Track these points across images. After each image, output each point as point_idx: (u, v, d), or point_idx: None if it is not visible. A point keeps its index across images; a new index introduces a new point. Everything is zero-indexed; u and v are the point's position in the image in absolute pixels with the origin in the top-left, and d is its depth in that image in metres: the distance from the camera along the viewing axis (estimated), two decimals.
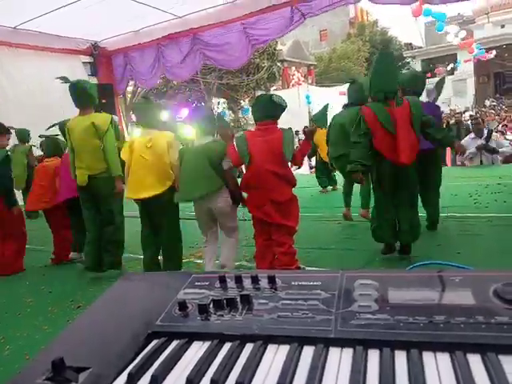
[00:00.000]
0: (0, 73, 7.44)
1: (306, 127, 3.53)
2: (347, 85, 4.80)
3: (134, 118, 11.55)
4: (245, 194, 3.33)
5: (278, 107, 3.20)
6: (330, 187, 7.36)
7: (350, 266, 3.32)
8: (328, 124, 6.60)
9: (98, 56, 8.79)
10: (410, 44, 32.23)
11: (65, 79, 3.62)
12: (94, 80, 8.82)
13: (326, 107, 6.90)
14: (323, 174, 7.17)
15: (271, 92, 20.91)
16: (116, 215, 3.77)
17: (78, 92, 3.59)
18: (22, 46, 7.64)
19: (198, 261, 3.77)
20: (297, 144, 3.84)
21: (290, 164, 3.32)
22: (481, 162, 8.16)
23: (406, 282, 0.72)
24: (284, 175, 3.18)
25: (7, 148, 4.55)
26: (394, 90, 3.27)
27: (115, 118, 3.97)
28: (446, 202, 4.53)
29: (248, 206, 3.29)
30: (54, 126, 4.31)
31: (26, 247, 4.43)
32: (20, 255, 4.35)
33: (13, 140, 5.78)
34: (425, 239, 3.66)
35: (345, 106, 4.68)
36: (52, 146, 4.47)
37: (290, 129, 3.24)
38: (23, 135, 6.23)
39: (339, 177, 6.07)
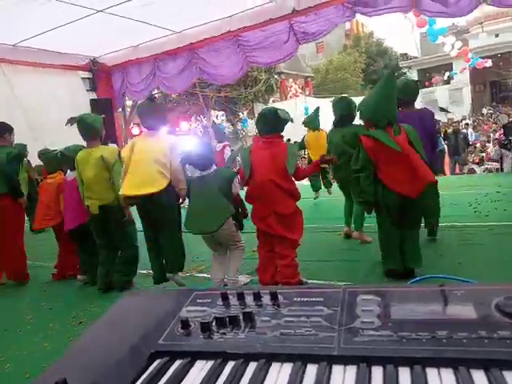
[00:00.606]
0: (0, 90, 7.50)
1: (323, 156, 3.50)
2: (344, 96, 4.80)
3: (133, 131, 11.64)
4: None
5: (283, 121, 3.25)
6: (324, 189, 7.34)
7: (350, 278, 3.30)
8: (320, 129, 6.71)
9: (97, 71, 8.87)
10: (406, 54, 32.52)
11: (71, 121, 3.72)
12: (92, 95, 8.91)
13: (317, 110, 6.96)
14: (315, 176, 7.15)
15: (269, 104, 21.08)
16: (130, 237, 3.81)
17: (84, 127, 3.73)
18: (21, 63, 7.71)
19: (200, 275, 3.76)
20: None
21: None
22: (501, 164, 7.89)
23: (408, 297, 0.72)
24: (287, 188, 3.19)
25: None
26: (396, 116, 3.17)
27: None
28: (445, 212, 4.52)
29: (252, 217, 3.32)
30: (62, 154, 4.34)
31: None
32: (25, 259, 4.42)
33: None
34: (426, 249, 3.64)
35: (336, 123, 4.54)
36: (53, 162, 4.46)
37: (294, 143, 3.28)
38: (21, 150, 6.26)
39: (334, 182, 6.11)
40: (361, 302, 0.72)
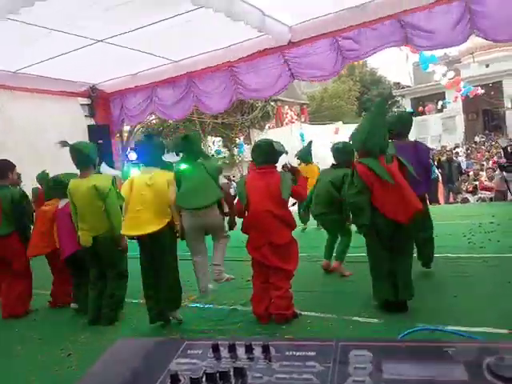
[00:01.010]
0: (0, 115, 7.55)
1: (285, 165, 3.56)
2: (339, 122, 4.87)
3: (130, 157, 11.68)
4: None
5: (277, 153, 3.34)
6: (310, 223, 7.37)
7: (345, 311, 3.26)
8: (311, 162, 6.81)
9: (96, 98, 8.97)
10: (399, 83, 33.19)
11: (63, 143, 3.71)
12: (91, 121, 9.00)
13: (309, 144, 7.17)
14: (305, 209, 7.15)
15: (265, 130, 21.32)
16: (120, 272, 3.76)
17: (76, 154, 3.67)
18: (21, 90, 7.80)
19: (193, 305, 3.70)
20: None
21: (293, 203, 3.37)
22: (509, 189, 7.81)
23: (401, 354, 0.72)
24: (283, 217, 3.23)
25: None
26: (387, 145, 3.24)
27: (117, 174, 4.00)
28: (440, 242, 4.50)
29: (247, 247, 3.33)
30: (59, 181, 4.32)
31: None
32: (28, 296, 4.33)
33: None
34: (421, 282, 3.64)
35: (332, 165, 4.64)
36: (53, 188, 4.35)
37: (288, 172, 3.35)
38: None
39: None
40: (353, 358, 0.72)
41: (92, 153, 3.74)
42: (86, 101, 9.03)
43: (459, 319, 2.88)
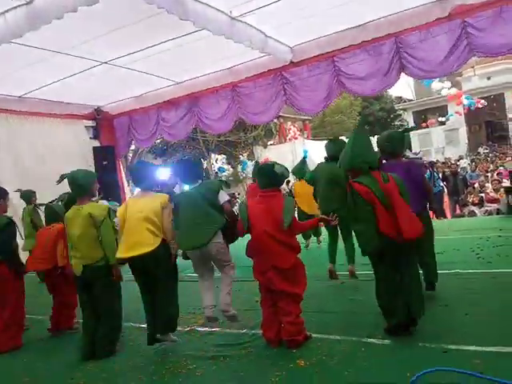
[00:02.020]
0: (5, 139, 7.64)
1: (323, 218, 3.53)
2: (342, 137, 5.01)
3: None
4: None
5: (279, 176, 3.33)
6: (314, 238, 7.41)
7: (356, 332, 3.19)
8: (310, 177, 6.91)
9: (101, 120, 9.08)
10: (400, 97, 33.39)
11: (60, 179, 3.77)
12: (95, 143, 9.10)
13: (303, 160, 7.49)
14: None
15: (268, 147, 21.46)
16: (113, 303, 3.66)
17: (73, 183, 3.67)
18: (27, 114, 7.92)
19: (201, 329, 3.66)
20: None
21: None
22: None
23: None
24: (285, 241, 3.19)
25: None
26: (377, 161, 3.24)
27: (113, 207, 4.02)
28: (448, 258, 4.46)
29: (253, 272, 3.31)
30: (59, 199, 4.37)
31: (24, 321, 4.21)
32: (20, 328, 4.15)
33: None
34: (431, 299, 3.60)
35: (326, 159, 4.86)
36: (50, 215, 4.44)
37: (292, 198, 3.34)
38: (27, 197, 6.39)
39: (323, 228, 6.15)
40: None
41: (87, 182, 3.69)
42: (90, 123, 9.14)
43: (472, 338, 2.83)
